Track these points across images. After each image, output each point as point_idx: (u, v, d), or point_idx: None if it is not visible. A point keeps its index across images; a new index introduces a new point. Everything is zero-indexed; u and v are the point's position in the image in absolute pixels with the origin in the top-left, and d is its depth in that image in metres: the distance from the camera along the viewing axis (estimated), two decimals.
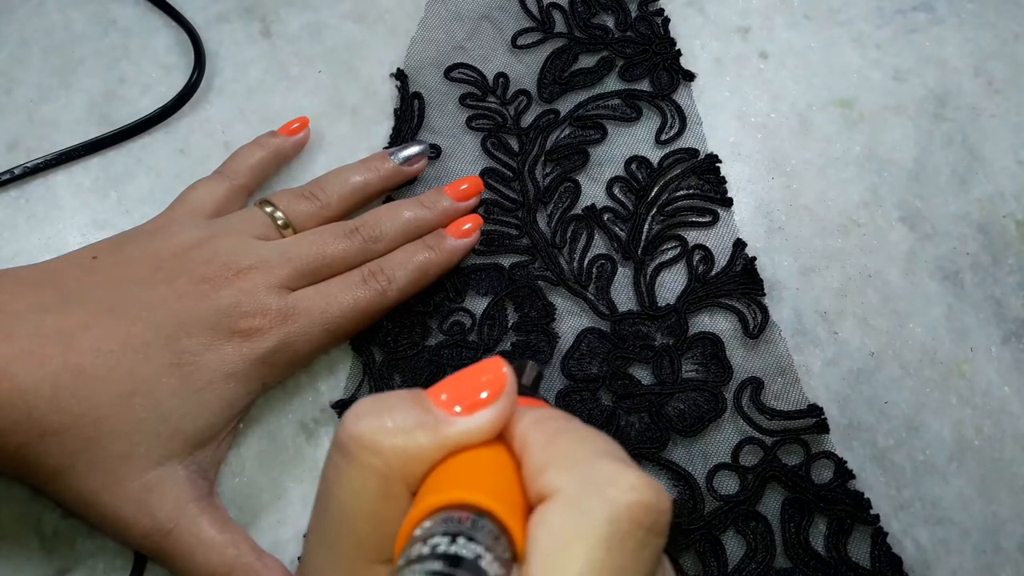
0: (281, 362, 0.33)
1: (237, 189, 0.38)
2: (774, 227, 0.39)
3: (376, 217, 0.37)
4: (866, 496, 0.34)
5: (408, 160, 0.39)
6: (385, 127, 0.42)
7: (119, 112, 0.42)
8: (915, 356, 0.37)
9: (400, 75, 0.42)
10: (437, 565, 0.17)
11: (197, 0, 0.44)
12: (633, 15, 0.44)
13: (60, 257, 0.34)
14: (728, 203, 0.39)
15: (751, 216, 0.40)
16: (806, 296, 0.38)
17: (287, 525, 0.34)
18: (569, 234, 0.39)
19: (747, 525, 0.33)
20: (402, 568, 0.18)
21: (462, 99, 0.42)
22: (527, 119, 0.41)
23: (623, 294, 0.38)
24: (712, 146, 0.41)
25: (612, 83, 0.42)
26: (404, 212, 0.37)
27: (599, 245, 0.39)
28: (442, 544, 0.18)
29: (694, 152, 0.40)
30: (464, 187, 0.38)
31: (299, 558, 0.33)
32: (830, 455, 0.34)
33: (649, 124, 0.41)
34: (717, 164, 0.40)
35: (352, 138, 0.42)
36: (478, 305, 0.37)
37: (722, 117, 0.42)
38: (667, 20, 0.44)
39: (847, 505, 0.34)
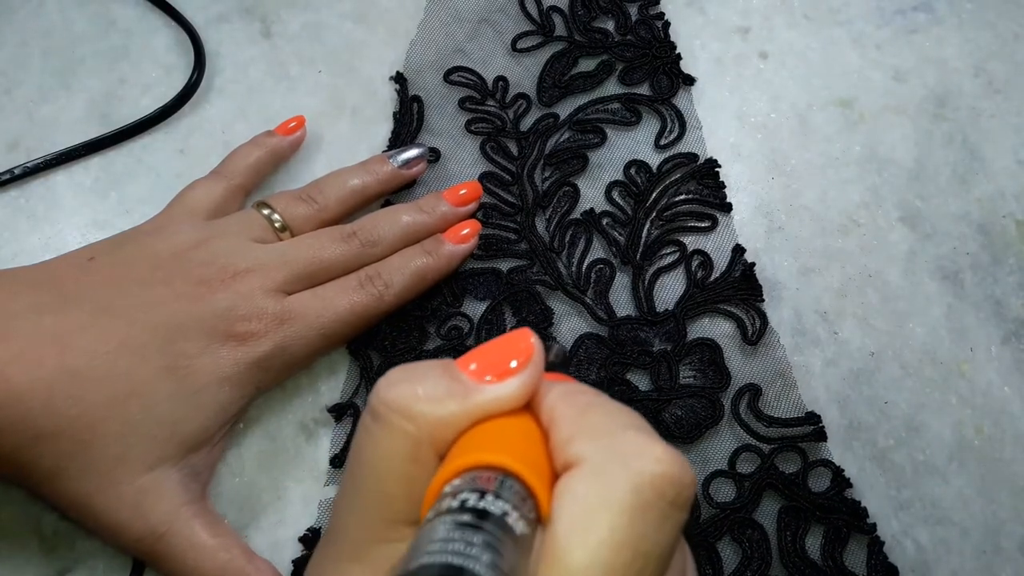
0: (276, 366, 0.33)
1: (234, 189, 0.37)
2: (774, 227, 0.39)
3: (374, 221, 0.37)
4: (863, 504, 0.34)
5: (407, 163, 0.39)
6: (385, 127, 0.42)
7: (119, 112, 0.42)
8: (915, 356, 0.37)
9: (399, 78, 0.42)
10: (466, 517, 0.18)
11: (197, 0, 0.44)
12: (633, 19, 0.44)
13: (58, 258, 0.34)
14: (727, 208, 0.39)
15: (751, 216, 0.40)
16: (806, 296, 0.38)
17: (287, 525, 0.34)
18: (568, 238, 0.39)
19: (743, 533, 0.33)
20: (431, 520, 0.19)
21: (461, 103, 0.42)
22: (526, 123, 0.41)
23: (622, 299, 0.38)
24: (712, 146, 0.41)
25: (612, 87, 0.42)
26: (402, 216, 0.37)
27: (598, 250, 0.39)
28: (471, 499, 0.19)
29: (693, 157, 0.40)
30: (463, 192, 0.38)
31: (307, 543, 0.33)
32: (827, 463, 0.34)
33: (649, 128, 0.41)
34: (716, 169, 0.40)
35: (352, 138, 0.42)
36: (476, 309, 0.37)
37: (722, 117, 0.42)
38: (667, 24, 0.44)
39: (844, 514, 0.33)
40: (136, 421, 0.30)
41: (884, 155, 0.41)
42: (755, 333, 0.37)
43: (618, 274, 0.38)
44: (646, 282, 0.38)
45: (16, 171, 0.40)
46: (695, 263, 0.38)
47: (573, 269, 0.38)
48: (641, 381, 0.36)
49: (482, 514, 0.18)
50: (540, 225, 0.39)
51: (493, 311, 0.37)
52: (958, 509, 0.34)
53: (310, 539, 0.33)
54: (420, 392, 0.21)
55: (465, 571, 0.17)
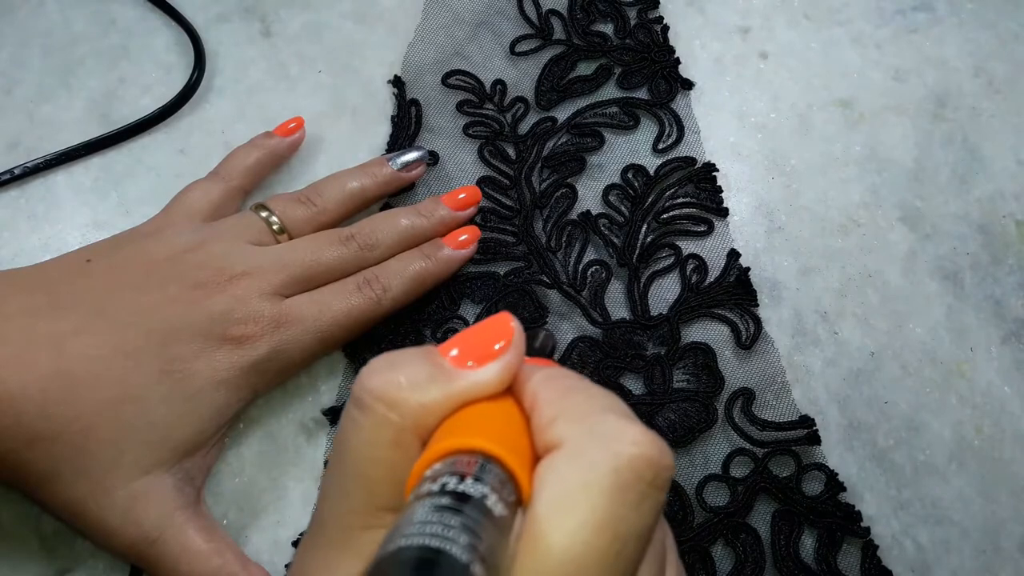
0: (273, 369, 0.33)
1: (233, 191, 0.37)
2: (774, 227, 0.39)
3: (372, 224, 0.36)
4: (861, 505, 0.34)
5: (406, 166, 0.39)
6: (385, 127, 0.42)
7: (119, 112, 0.42)
8: (915, 356, 0.37)
9: (397, 82, 0.42)
10: (446, 500, 0.18)
11: (197, 0, 0.44)
12: (632, 22, 0.44)
13: (54, 260, 0.34)
14: (724, 213, 0.39)
15: (751, 216, 0.40)
16: (806, 296, 0.38)
17: (287, 525, 0.34)
18: (564, 238, 0.39)
19: (736, 537, 0.33)
20: (412, 503, 0.19)
21: (459, 106, 0.42)
22: (524, 126, 0.41)
23: (616, 301, 0.38)
24: (712, 146, 0.41)
25: (610, 91, 0.42)
26: (401, 220, 0.37)
27: (593, 251, 0.39)
28: (451, 483, 0.19)
29: (691, 160, 0.40)
30: (462, 196, 0.38)
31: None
32: (821, 467, 0.34)
33: (647, 132, 0.41)
34: (714, 173, 0.40)
35: (352, 138, 0.42)
36: (473, 312, 0.37)
37: (722, 117, 0.42)
38: (666, 28, 0.43)
39: (838, 517, 0.33)
40: (130, 425, 0.30)
41: (884, 155, 0.41)
42: (749, 337, 0.37)
43: (614, 276, 0.38)
44: (641, 285, 0.38)
45: (16, 171, 0.40)
46: (690, 267, 0.38)
47: (569, 268, 0.38)
48: (635, 385, 0.36)
49: (462, 497, 0.18)
50: (537, 226, 0.39)
51: (489, 313, 0.37)
52: (958, 509, 0.34)
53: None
54: (402, 380, 0.21)
55: (442, 553, 0.17)
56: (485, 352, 0.22)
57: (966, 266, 0.39)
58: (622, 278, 0.38)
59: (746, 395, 0.35)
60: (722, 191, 0.40)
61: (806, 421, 0.35)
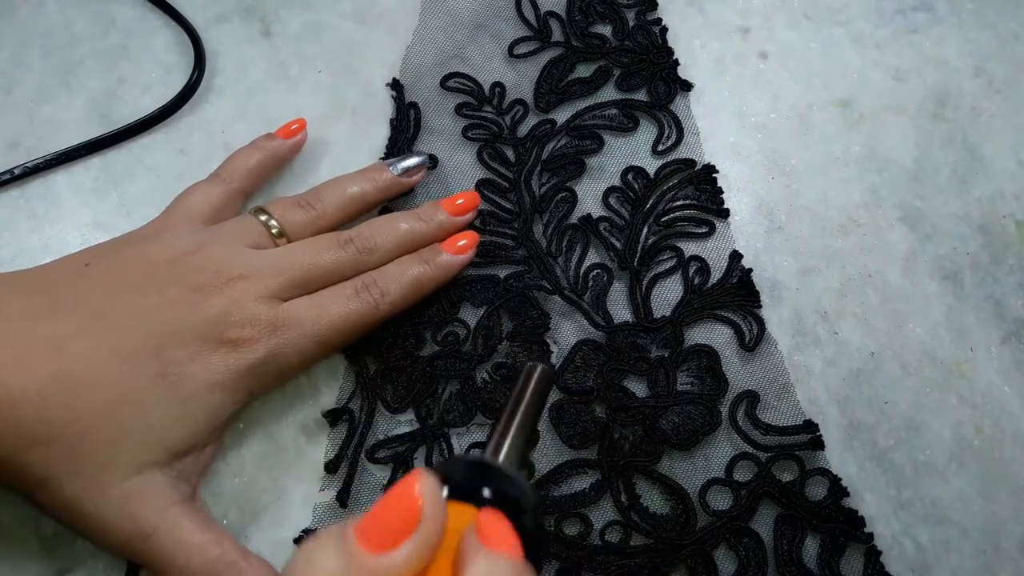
0: (270, 372, 0.33)
1: (233, 193, 0.37)
2: (774, 227, 0.39)
3: (371, 229, 0.36)
4: (862, 510, 0.34)
5: (407, 171, 0.39)
6: (386, 128, 0.42)
7: (119, 112, 0.42)
8: (915, 356, 0.37)
9: (396, 85, 0.42)
10: None
11: (197, 0, 0.44)
12: (631, 24, 0.44)
13: (54, 262, 0.34)
14: (724, 214, 0.39)
15: (751, 216, 0.40)
16: (806, 296, 0.38)
17: (287, 525, 0.34)
18: (565, 243, 0.38)
19: (739, 541, 0.33)
20: None
21: (458, 108, 0.42)
22: (524, 129, 0.41)
23: (619, 304, 0.37)
24: (712, 146, 0.41)
25: (609, 93, 0.42)
26: (400, 224, 0.37)
27: (595, 255, 0.38)
28: None
29: (691, 162, 0.40)
30: (461, 201, 0.38)
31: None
32: (825, 472, 0.34)
33: (646, 134, 0.41)
34: (714, 175, 0.40)
35: (352, 138, 0.42)
36: (473, 316, 0.37)
37: (722, 117, 0.42)
38: (665, 29, 0.43)
39: (841, 523, 0.33)
40: (127, 427, 0.30)
41: (884, 155, 0.41)
42: (752, 339, 0.37)
43: (616, 279, 0.38)
44: (643, 288, 0.38)
45: (16, 171, 0.40)
46: (692, 269, 0.38)
47: (571, 273, 0.38)
48: (638, 388, 0.36)
49: None
50: (537, 230, 0.39)
51: (490, 317, 0.37)
52: (958, 509, 0.34)
53: (304, 540, 0.33)
54: (316, 572, 0.21)
55: None
56: (395, 534, 0.21)
57: (966, 266, 0.39)
58: (624, 281, 0.38)
59: (750, 398, 0.35)
60: (723, 192, 0.40)
61: (810, 426, 0.35)
